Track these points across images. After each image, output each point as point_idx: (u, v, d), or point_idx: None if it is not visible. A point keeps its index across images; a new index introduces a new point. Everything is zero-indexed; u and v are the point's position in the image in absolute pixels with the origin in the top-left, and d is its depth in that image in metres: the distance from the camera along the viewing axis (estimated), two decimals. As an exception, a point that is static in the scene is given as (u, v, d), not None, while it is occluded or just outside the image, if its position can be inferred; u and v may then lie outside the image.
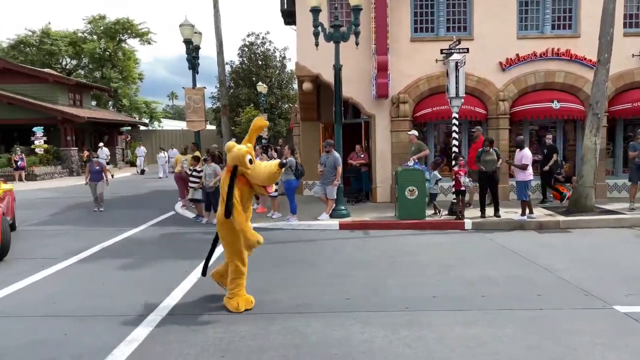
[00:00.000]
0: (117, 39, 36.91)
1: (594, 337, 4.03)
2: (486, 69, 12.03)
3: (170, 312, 4.85)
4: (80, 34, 36.81)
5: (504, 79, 12.11)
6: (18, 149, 21.44)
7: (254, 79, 28.31)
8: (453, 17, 12.25)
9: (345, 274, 6.15)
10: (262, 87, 23.05)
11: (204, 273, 5.42)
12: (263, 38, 30.27)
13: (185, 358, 3.80)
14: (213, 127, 31.93)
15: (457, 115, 9.82)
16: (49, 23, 37.79)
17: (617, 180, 12.39)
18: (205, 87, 14.27)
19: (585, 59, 11.87)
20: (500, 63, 12.06)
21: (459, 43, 10.30)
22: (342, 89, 10.45)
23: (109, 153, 20.47)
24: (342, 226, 9.36)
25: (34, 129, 23.05)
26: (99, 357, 3.81)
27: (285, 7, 15.50)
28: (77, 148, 25.04)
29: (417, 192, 9.56)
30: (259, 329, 4.35)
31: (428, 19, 12.26)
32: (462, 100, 9.82)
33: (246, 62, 29.91)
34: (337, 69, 10.00)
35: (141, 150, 26.95)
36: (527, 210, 9.44)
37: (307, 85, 12.39)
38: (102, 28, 36.24)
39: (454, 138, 9.87)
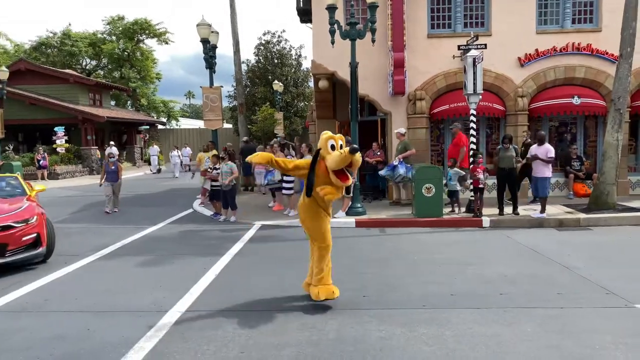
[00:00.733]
0: (135, 39, 37.40)
1: (616, 336, 3.96)
2: (504, 65, 11.86)
3: (189, 308, 4.91)
4: (99, 35, 37.45)
5: (522, 75, 11.93)
6: (40, 148, 21.92)
7: (269, 77, 28.40)
8: (470, 13, 12.10)
9: (362, 272, 6.15)
10: (277, 86, 23.11)
11: None
12: (279, 36, 30.34)
13: (205, 354, 3.85)
14: (230, 126, 32.17)
15: (474, 112, 9.73)
16: (70, 24, 38.64)
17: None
18: (222, 86, 14.41)
19: (607, 53, 11.62)
20: (519, 58, 11.88)
21: (477, 39, 10.19)
22: (358, 87, 10.42)
23: (117, 152, 20.66)
24: (359, 224, 9.35)
25: (56, 128, 23.53)
26: (120, 352, 3.89)
27: (301, 5, 15.51)
28: (97, 147, 25.49)
29: (434, 190, 9.50)
30: (277, 326, 4.38)
31: (445, 14, 12.14)
32: (480, 96, 9.73)
33: (262, 60, 30.02)
34: (353, 67, 9.98)
35: (154, 149, 26.87)
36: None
37: (323, 83, 12.39)
38: (120, 29, 36.78)
39: (472, 135, 9.78)
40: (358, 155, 4.60)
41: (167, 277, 6.13)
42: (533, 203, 10.54)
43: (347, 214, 9.89)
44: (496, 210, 9.63)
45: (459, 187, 10.15)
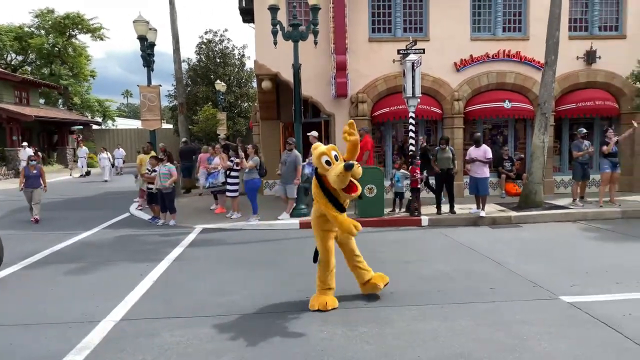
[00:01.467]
0: (67, 34, 35.30)
1: (542, 327, 4.21)
2: (441, 70, 12.34)
3: (124, 317, 4.69)
4: (26, 29, 34.97)
5: (458, 79, 12.47)
6: (-42, 149, 20.19)
7: (212, 77, 27.80)
8: (409, 18, 12.49)
9: (306, 273, 6.13)
10: (220, 86, 22.69)
11: (314, 260, 5.15)
12: (221, 36, 29.78)
13: (140, 364, 3.69)
14: (170, 126, 31.18)
15: (413, 115, 10.02)
16: (-8, 16, 35.71)
17: (563, 176, 13.02)
18: (160, 85, 13.94)
19: (534, 60, 12.39)
20: (455, 64, 12.41)
21: (415, 44, 10.52)
22: (302, 88, 10.44)
23: (32, 153, 19.29)
24: (303, 225, 9.35)
25: (-25, 128, 21.77)
26: (47, 367, 3.64)
27: (244, 4, 15.31)
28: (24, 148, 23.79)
29: (375, 190, 9.69)
30: (217, 331, 4.28)
31: (385, 19, 12.45)
32: (419, 99, 10.03)
33: (204, 59, 29.32)
34: (296, 68, 9.98)
35: (83, 150, 25.17)
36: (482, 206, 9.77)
37: (266, 84, 12.31)
38: (50, 22, 34.55)
39: (411, 137, 10.08)
40: (356, 168, 4.46)
41: (101, 285, 5.82)
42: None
43: (292, 215, 9.87)
44: (434, 209, 10.00)
45: (404, 189, 10.42)
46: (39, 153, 19.01)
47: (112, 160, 22.94)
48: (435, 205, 10.10)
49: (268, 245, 8.00)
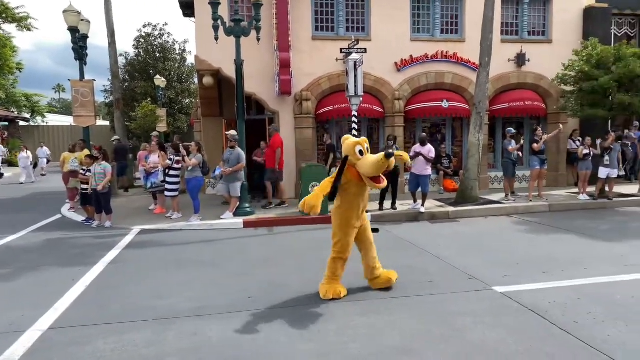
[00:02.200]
0: (-11, 23, 32.68)
1: (476, 317, 4.41)
2: (383, 69, 12.60)
3: (53, 325, 4.41)
4: (-60, 16, 32.00)
5: (399, 79, 12.78)
6: None
7: (151, 71, 26.83)
8: (352, 18, 12.64)
9: (249, 273, 6.08)
10: (160, 81, 21.93)
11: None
12: (161, 30, 28.77)
13: (70, 375, 3.48)
14: (107, 123, 29.75)
15: (356, 113, 10.16)
16: None
17: (497, 173, 13.71)
18: (94, 80, 13.26)
19: (469, 62, 12.94)
20: (396, 63, 12.71)
21: (358, 43, 10.67)
22: (245, 85, 10.28)
23: None
24: (247, 224, 9.24)
25: None
26: (-37, 384, 3.35)
27: (184, -3, 14.84)
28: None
29: (320, 188, 9.72)
30: (154, 336, 4.12)
31: (329, 18, 12.52)
32: (361, 98, 10.19)
33: (142, 54, 28.19)
34: (239, 65, 9.82)
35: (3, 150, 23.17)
36: (420, 202, 10.08)
37: (207, 80, 12.02)
38: (-32, 10, 31.83)
39: (354, 135, 10.20)
40: (392, 159, 4.61)
41: (28, 292, 5.44)
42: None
43: (235, 214, 9.71)
44: (377, 206, 10.21)
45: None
46: None
47: (33, 160, 21.20)
48: (378, 202, 10.31)
49: (210, 245, 7.82)
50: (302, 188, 9.83)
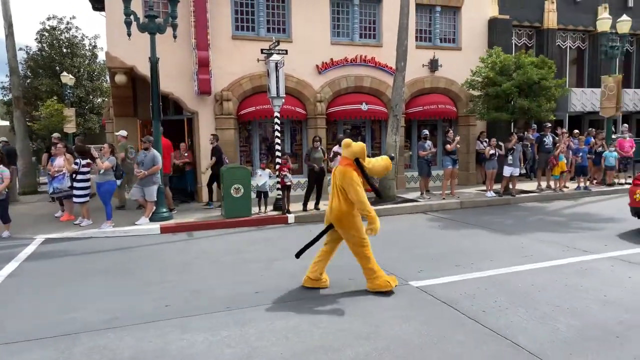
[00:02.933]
0: None
1: (394, 312, 4.56)
2: (305, 71, 12.69)
3: None
4: None
5: (320, 81, 12.95)
6: None
7: (57, 68, 24.83)
8: (273, 19, 12.60)
9: (166, 280, 5.81)
10: (67, 78, 20.33)
11: (297, 255, 5.47)
12: (68, 23, 26.75)
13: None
14: (6, 123, 27.02)
15: (278, 115, 10.13)
16: None
17: (413, 172, 14.35)
18: (-12, 75, 11.96)
19: (386, 66, 13.42)
20: (317, 66, 12.86)
21: (278, 44, 10.64)
22: (161, 84, 9.86)
23: None
24: (164, 230, 8.83)
25: None
26: None
27: (93, -10, 13.95)
28: None
29: (242, 190, 9.58)
30: (57, 354, 3.79)
31: (249, 17, 12.38)
32: (283, 100, 10.18)
33: (47, 48, 26.02)
34: (154, 62, 9.38)
35: None
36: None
37: (120, 78, 11.37)
38: None
39: (277, 137, 10.17)
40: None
41: None
42: None
43: (152, 219, 9.25)
44: (301, 207, 10.25)
45: (267, 189, 10.39)
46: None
47: None
48: (302, 203, 10.35)
49: (124, 253, 7.37)
50: (224, 190, 9.61)
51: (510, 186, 12.05)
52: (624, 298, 4.79)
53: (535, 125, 14.55)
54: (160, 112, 9.68)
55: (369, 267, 5.15)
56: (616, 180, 13.80)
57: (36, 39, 26.21)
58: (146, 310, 4.74)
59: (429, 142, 11.93)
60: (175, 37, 9.67)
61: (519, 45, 16.02)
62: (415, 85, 13.85)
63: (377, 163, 5.23)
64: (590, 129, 15.17)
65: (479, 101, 12.96)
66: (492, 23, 14.71)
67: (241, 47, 12.10)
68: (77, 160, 9.17)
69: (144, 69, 10.61)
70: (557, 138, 12.91)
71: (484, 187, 12.59)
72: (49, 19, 26.59)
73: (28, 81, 24.98)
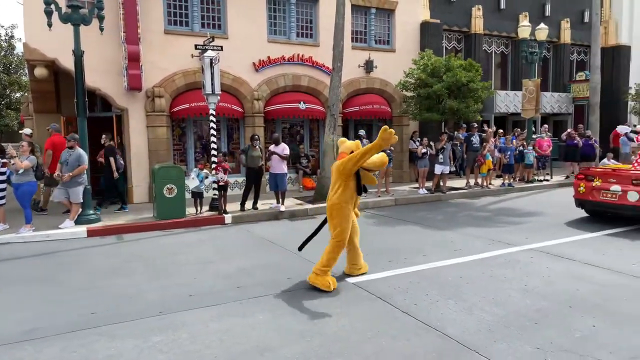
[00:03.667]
0: None
1: (330, 308, 4.61)
2: (241, 69, 12.50)
3: None
4: None
5: (258, 79, 12.81)
6: None
7: (-32, 59, 22.79)
8: (207, 14, 12.29)
9: (94, 286, 5.50)
10: (-20, 71, 18.72)
11: (300, 248, 5.79)
12: (-20, 10, 24.60)
13: None
14: None
15: (214, 112, 9.91)
16: None
17: (351, 171, 14.58)
18: None
19: (324, 66, 13.53)
20: (254, 64, 12.71)
21: (213, 40, 10.39)
22: (88, 79, 9.33)
23: None
24: (91, 233, 8.35)
25: None
26: None
27: (8, -25, 12.89)
28: None
29: (176, 190, 9.27)
30: (-33, 372, 3.47)
31: (182, 12, 12.00)
32: (219, 97, 9.97)
33: (-45, 37, 23.83)
34: (78, 55, 8.83)
35: None
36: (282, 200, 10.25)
37: (40, 71, 10.61)
38: None
39: (213, 135, 9.94)
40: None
41: None
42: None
43: (77, 222, 8.71)
44: (239, 207, 10.09)
45: (203, 188, 10.12)
46: None
47: None
48: (240, 202, 10.19)
49: (45, 259, 6.88)
50: (156, 191, 9.25)
51: (441, 183, 12.60)
52: (542, 287, 5.16)
53: (465, 125, 15.29)
54: (86, 108, 9.13)
55: (326, 264, 5.25)
56: (535, 177, 14.83)
57: (-58, 26, 23.88)
58: (71, 318, 4.46)
59: (365, 141, 12.17)
60: (102, 29, 9.16)
61: (449, 48, 16.76)
62: (351, 85, 14.08)
63: (375, 156, 5.42)
64: (517, 129, 16.20)
65: (412, 102, 13.41)
66: (424, 26, 15.27)
67: (174, 42, 11.69)
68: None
69: (68, 63, 9.93)
70: (483, 136, 13.63)
71: (417, 185, 13.06)
72: (-43, 4, 24.28)
73: None
